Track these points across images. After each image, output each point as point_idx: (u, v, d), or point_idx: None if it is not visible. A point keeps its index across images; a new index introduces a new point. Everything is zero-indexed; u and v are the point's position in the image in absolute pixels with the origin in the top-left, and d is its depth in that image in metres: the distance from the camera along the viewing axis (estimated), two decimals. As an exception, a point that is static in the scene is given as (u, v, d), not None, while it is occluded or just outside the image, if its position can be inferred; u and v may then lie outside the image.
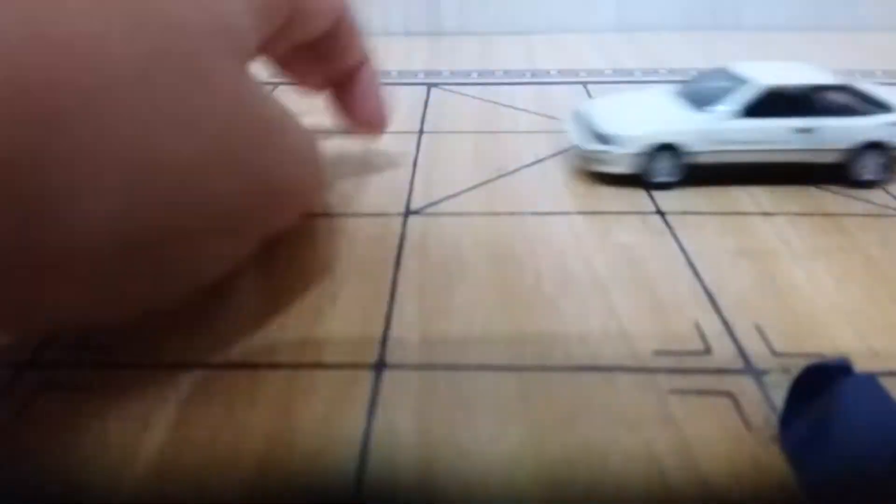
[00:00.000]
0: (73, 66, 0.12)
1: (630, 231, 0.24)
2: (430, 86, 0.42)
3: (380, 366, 0.18)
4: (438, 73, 0.45)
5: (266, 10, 0.17)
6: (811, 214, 0.26)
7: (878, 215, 0.26)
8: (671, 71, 0.45)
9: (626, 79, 0.43)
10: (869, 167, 0.27)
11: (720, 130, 0.27)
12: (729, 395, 0.17)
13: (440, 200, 0.27)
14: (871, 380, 0.16)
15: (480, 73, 0.45)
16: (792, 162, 0.27)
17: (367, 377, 0.17)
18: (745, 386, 0.17)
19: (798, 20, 0.56)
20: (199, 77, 0.14)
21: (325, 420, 0.16)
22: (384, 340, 0.19)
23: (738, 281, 0.21)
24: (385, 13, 0.55)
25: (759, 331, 0.19)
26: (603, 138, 0.27)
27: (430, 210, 0.26)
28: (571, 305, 0.20)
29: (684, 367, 0.18)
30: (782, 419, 0.16)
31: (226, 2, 0.15)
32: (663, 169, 0.27)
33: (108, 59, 0.12)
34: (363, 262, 0.23)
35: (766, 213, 0.26)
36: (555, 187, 0.28)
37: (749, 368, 0.18)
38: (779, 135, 0.27)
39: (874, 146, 0.27)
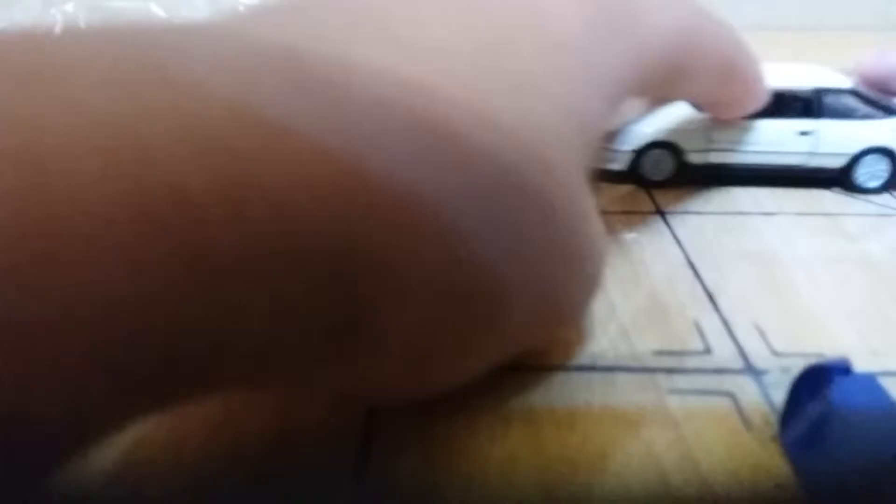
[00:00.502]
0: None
1: (630, 230, 0.24)
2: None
3: (379, 366, 0.18)
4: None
5: (623, 93, 0.16)
6: (812, 214, 0.26)
7: (879, 215, 0.26)
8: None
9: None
10: (873, 173, 0.27)
11: (719, 130, 0.26)
12: (729, 394, 0.17)
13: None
14: (870, 380, 0.16)
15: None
16: (794, 165, 0.27)
17: (366, 377, 0.17)
18: (745, 386, 0.17)
19: (797, 19, 0.55)
20: (544, 206, 0.12)
21: (325, 420, 0.16)
22: (384, 340, 0.19)
23: (738, 281, 0.21)
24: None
25: (759, 330, 0.19)
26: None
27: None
28: (571, 305, 0.20)
29: (684, 367, 0.18)
30: (782, 419, 0.16)
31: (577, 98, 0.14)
32: (659, 167, 0.27)
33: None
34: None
35: (766, 213, 0.26)
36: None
37: (749, 368, 0.18)
38: (780, 137, 0.26)
39: (879, 152, 0.26)
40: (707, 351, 0.18)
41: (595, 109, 0.14)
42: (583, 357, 0.18)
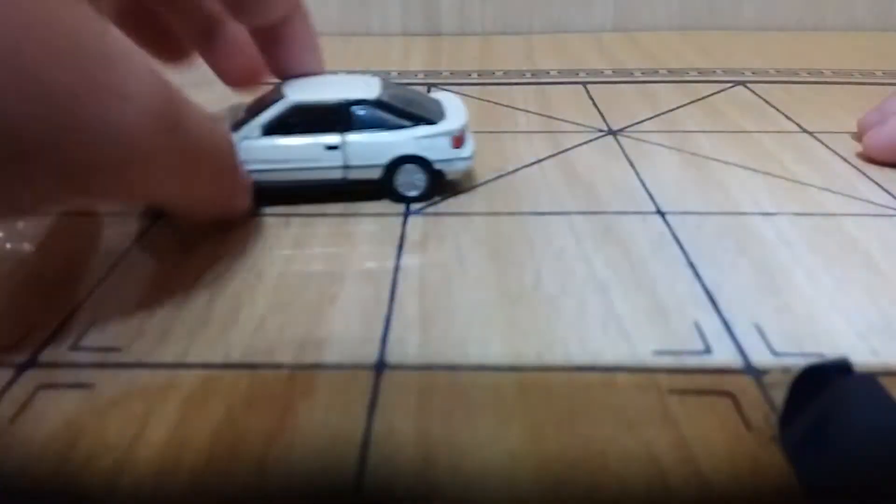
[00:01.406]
0: None
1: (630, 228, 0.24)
2: (429, 86, 0.42)
3: (380, 366, 0.18)
4: (438, 74, 0.45)
5: None
6: (811, 214, 0.26)
7: (878, 215, 0.26)
8: (671, 71, 0.45)
9: (625, 79, 0.43)
10: (410, 182, 0.26)
11: (247, 149, 0.25)
12: (729, 394, 0.17)
13: (440, 200, 0.27)
14: (870, 379, 0.16)
15: (480, 74, 0.45)
16: (333, 179, 0.26)
17: (367, 377, 0.17)
18: (744, 385, 0.17)
19: (796, 20, 0.56)
20: None
21: (324, 420, 0.16)
22: (384, 340, 0.19)
23: (738, 280, 0.21)
24: (383, 13, 0.55)
25: (759, 330, 0.19)
26: None
27: (429, 210, 0.26)
28: (571, 305, 0.20)
29: (684, 367, 0.18)
30: (782, 419, 0.16)
31: None
32: None
33: None
34: (363, 262, 0.23)
35: (766, 213, 0.26)
36: (554, 187, 0.28)
37: (749, 368, 0.18)
38: (307, 152, 0.25)
39: (411, 160, 0.26)
40: (707, 351, 0.18)
41: None
42: (582, 356, 0.18)
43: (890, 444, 0.14)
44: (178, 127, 0.17)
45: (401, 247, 0.23)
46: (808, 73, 0.44)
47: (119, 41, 0.16)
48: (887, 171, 0.29)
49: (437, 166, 0.26)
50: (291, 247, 0.24)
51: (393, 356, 0.18)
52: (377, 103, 0.26)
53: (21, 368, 0.18)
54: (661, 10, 0.56)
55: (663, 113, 0.37)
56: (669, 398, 0.17)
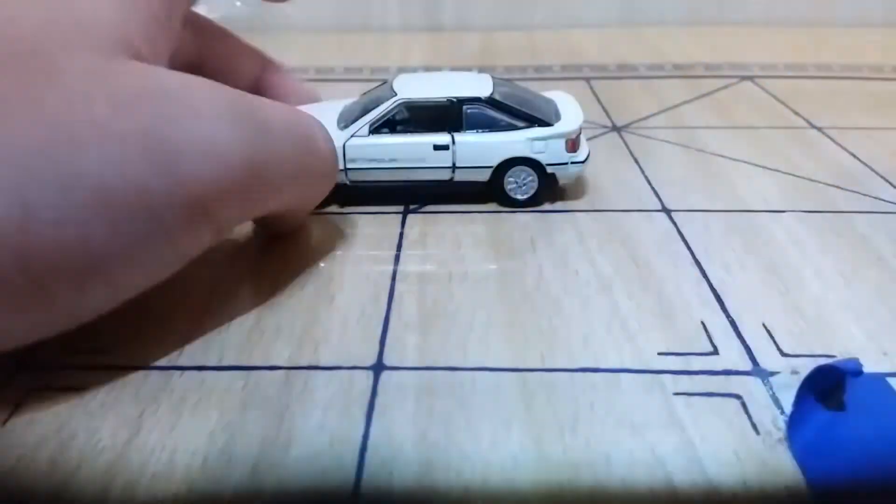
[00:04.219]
0: None
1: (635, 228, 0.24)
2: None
3: (378, 367, 0.18)
4: (438, 70, 0.44)
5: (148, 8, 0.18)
6: (820, 212, 0.25)
7: (889, 212, 0.25)
8: (677, 66, 0.44)
9: (630, 74, 0.43)
10: (519, 184, 0.25)
11: (355, 147, 0.24)
12: (736, 396, 0.16)
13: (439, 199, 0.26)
14: (881, 381, 0.16)
15: (481, 70, 0.44)
16: (440, 180, 0.25)
17: (365, 379, 0.17)
18: (752, 387, 0.17)
19: (804, 14, 0.55)
20: (43, 70, 0.15)
21: (321, 423, 0.16)
22: (382, 341, 0.18)
23: (746, 280, 0.21)
24: (382, 8, 0.55)
25: (768, 331, 0.19)
26: None
27: (428, 208, 0.26)
28: (574, 305, 0.20)
29: (690, 369, 0.17)
30: (791, 421, 0.15)
31: (83, 8, 0.17)
32: None
33: None
34: (361, 261, 0.22)
35: (774, 211, 0.25)
36: (557, 185, 0.28)
37: (757, 369, 0.17)
38: (415, 151, 0.25)
39: (520, 162, 0.25)
40: (714, 352, 0.18)
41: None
42: (585, 357, 0.18)
43: (902, 448, 0.14)
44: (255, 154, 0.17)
45: (399, 246, 0.23)
46: (817, 69, 0.43)
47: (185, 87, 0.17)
48: (898, 167, 0.29)
49: (551, 170, 0.25)
50: (287, 246, 0.23)
51: (391, 357, 0.18)
52: (490, 102, 0.25)
53: (12, 371, 0.18)
54: (666, 4, 0.55)
55: (669, 109, 0.37)
56: (675, 400, 0.16)
